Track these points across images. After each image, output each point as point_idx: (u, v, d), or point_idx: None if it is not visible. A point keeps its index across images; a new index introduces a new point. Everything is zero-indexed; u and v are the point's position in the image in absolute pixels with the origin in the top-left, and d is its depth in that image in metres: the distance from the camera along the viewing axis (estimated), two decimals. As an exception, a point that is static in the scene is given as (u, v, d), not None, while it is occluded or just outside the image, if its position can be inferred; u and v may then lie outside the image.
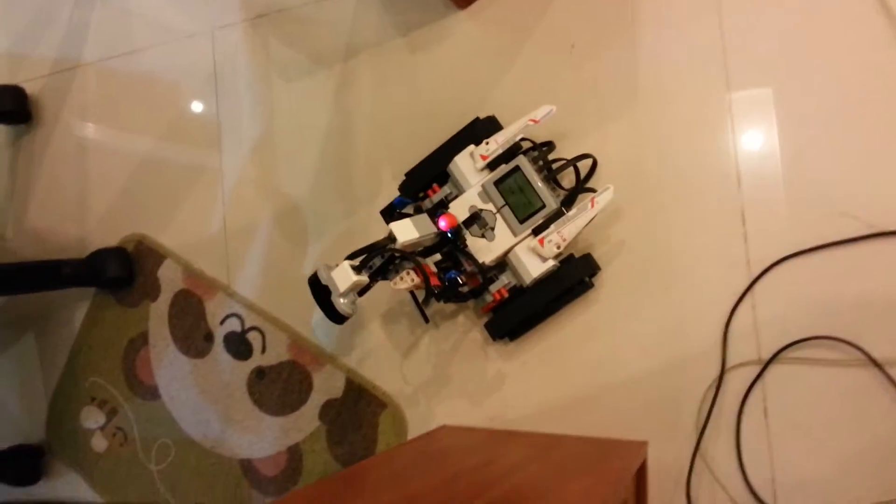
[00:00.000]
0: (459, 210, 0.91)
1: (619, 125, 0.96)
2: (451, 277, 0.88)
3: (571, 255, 0.94)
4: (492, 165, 0.92)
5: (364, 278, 0.84)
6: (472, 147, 0.94)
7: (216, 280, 1.20)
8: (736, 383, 0.90)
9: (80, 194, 1.33)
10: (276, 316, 1.15)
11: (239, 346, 1.17)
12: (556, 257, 0.90)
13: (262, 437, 1.15)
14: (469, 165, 0.93)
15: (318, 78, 1.13)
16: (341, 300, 0.84)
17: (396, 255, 0.85)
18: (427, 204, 0.96)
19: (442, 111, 1.05)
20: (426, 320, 1.02)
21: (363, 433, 1.08)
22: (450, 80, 1.05)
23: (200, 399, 1.20)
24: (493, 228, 0.90)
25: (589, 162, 0.96)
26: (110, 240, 1.28)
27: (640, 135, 0.95)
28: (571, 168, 0.95)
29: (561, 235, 0.87)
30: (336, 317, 0.86)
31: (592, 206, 0.87)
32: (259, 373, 1.16)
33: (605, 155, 0.96)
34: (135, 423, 1.26)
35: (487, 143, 0.92)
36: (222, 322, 1.19)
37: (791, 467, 0.88)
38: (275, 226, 1.16)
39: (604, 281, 0.96)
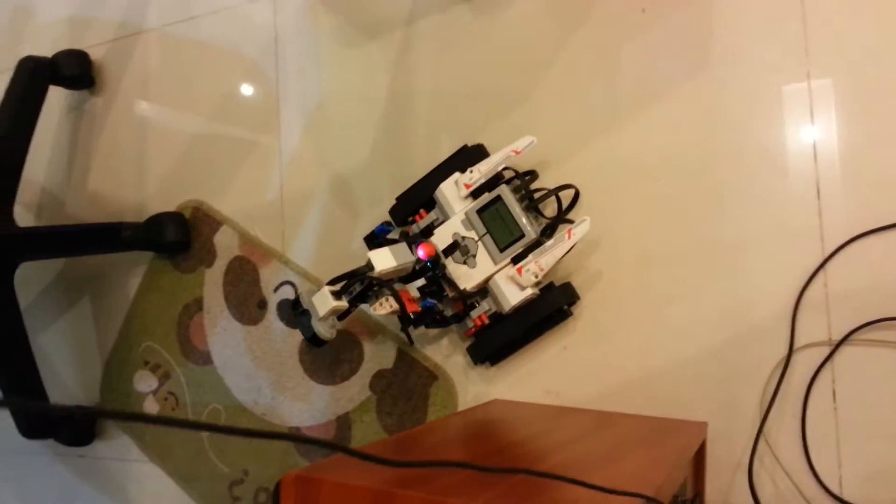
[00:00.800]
0: (443, 236, 0.94)
1: (687, 93, 0.93)
2: (428, 306, 0.91)
3: (552, 284, 0.95)
4: (476, 194, 0.94)
5: (343, 304, 0.88)
6: (457, 175, 0.95)
7: (271, 248, 1.20)
8: (804, 365, 0.87)
9: (139, 160, 1.34)
10: (329, 285, 1.15)
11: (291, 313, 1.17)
12: (535, 286, 0.90)
13: (311, 406, 1.15)
14: (454, 193, 0.94)
15: (380, 44, 1.12)
16: (320, 324, 0.88)
17: (375, 282, 0.87)
18: (414, 229, 0.97)
19: (506, 77, 1.04)
20: (411, 343, 1.04)
21: (413, 404, 1.07)
22: (515, 45, 1.03)
23: (252, 366, 1.21)
24: (474, 256, 0.92)
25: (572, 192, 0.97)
26: (168, 206, 1.30)
27: (707, 104, 0.92)
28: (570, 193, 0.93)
29: (538, 265, 0.88)
30: (315, 340, 0.89)
31: (569, 237, 0.88)
32: (311, 341, 1.16)
33: (665, 127, 0.94)
34: (186, 388, 1.27)
35: (472, 172, 0.93)
36: (276, 289, 1.19)
37: (859, 455, 0.84)
38: (331, 194, 1.16)
39: (654, 261, 0.93)
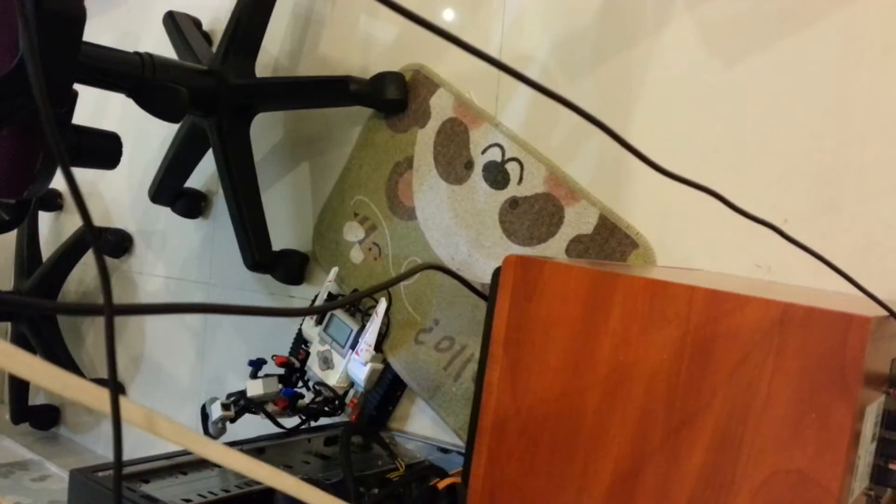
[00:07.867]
0: (313, 356, 1.29)
1: None
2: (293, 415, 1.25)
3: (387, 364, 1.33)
4: (321, 320, 1.29)
5: (231, 413, 1.19)
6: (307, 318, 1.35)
7: (484, 111, 1.24)
8: None
9: (367, 26, 1.42)
10: (536, 148, 1.17)
11: (497, 175, 1.21)
12: (374, 360, 1.20)
13: (506, 264, 1.19)
14: (310, 328, 1.30)
15: None
16: (212, 426, 1.20)
17: (252, 403, 1.20)
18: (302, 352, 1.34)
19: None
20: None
21: (609, 270, 1.08)
22: None
23: (453, 223, 1.27)
24: (331, 359, 1.25)
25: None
26: (391, 68, 1.37)
27: None
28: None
29: (366, 342, 1.19)
30: (209, 435, 1.20)
31: (376, 315, 1.20)
32: (513, 203, 1.19)
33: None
34: (390, 240, 1.36)
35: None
36: (484, 151, 1.23)
37: None
38: (550, 59, 1.17)
39: (916, 131, 0.86)
